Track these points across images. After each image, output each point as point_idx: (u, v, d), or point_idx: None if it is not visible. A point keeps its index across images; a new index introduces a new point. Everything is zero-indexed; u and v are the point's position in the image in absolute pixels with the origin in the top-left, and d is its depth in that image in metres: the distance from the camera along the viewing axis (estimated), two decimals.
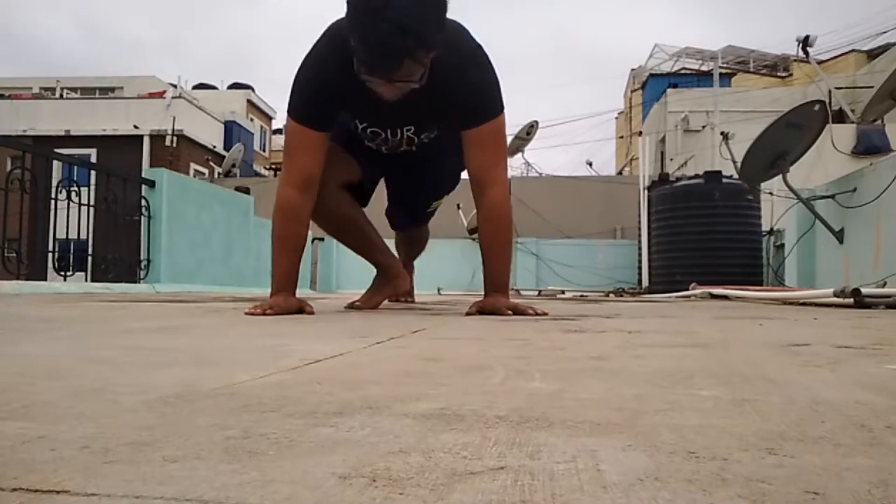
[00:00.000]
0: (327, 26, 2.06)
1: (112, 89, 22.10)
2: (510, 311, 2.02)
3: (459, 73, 1.99)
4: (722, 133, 7.24)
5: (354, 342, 1.19)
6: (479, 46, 2.06)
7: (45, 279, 4.54)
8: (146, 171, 5.69)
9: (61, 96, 20.03)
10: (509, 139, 16.62)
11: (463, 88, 2.00)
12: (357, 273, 3.50)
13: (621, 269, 9.62)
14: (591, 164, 17.02)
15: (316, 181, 2.11)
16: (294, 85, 2.08)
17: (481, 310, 2.06)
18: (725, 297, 4.27)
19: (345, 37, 1.90)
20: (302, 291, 2.23)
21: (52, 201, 4.49)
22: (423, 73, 1.80)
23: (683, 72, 17.72)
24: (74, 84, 22.44)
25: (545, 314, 2.02)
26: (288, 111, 2.11)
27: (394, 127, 2.15)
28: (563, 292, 7.54)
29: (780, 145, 4.75)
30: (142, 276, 5.00)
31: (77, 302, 2.71)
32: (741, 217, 6.56)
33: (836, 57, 17.23)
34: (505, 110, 2.11)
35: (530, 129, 15.53)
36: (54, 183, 4.58)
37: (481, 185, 2.11)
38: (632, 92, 22.07)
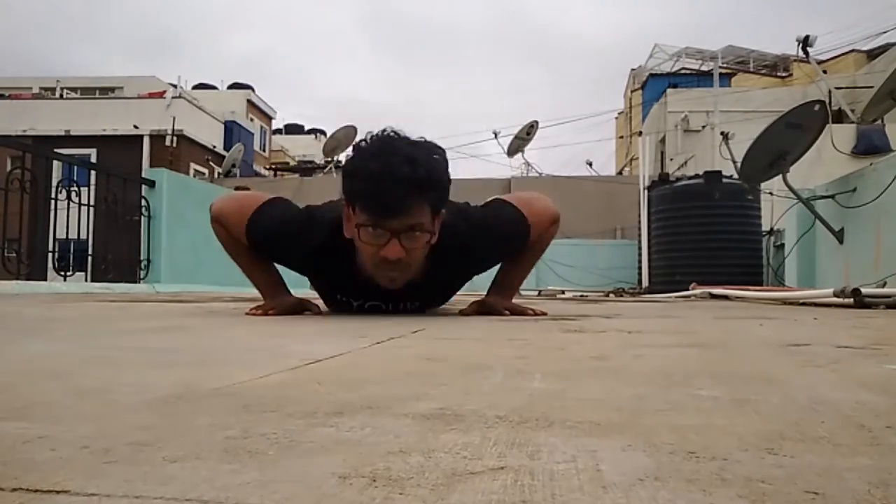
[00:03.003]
0: (329, 210, 1.90)
1: (112, 89, 22.12)
2: (507, 312, 2.01)
3: (485, 238, 1.92)
4: (722, 133, 7.24)
5: (354, 342, 1.19)
6: (476, 208, 1.99)
7: (45, 279, 4.54)
8: (146, 171, 5.69)
9: (61, 96, 20.05)
10: (509, 139, 16.51)
11: (495, 248, 1.97)
12: None
13: (621, 269, 9.61)
14: (591, 164, 16.97)
15: None
16: (274, 224, 1.89)
17: (479, 309, 2.06)
18: (725, 297, 4.27)
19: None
20: (302, 291, 2.22)
21: (52, 201, 4.49)
22: (430, 237, 1.71)
23: (683, 72, 17.74)
24: (74, 84, 22.45)
25: (544, 314, 2.02)
26: (249, 226, 1.89)
27: (396, 301, 2.00)
28: (563, 292, 7.53)
29: (780, 145, 4.75)
30: (142, 276, 5.00)
31: (77, 302, 2.71)
32: (741, 217, 6.56)
33: (836, 57, 17.24)
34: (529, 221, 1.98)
35: (530, 129, 15.54)
36: (54, 183, 4.58)
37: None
38: (632, 92, 22.08)
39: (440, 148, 1.75)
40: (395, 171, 1.59)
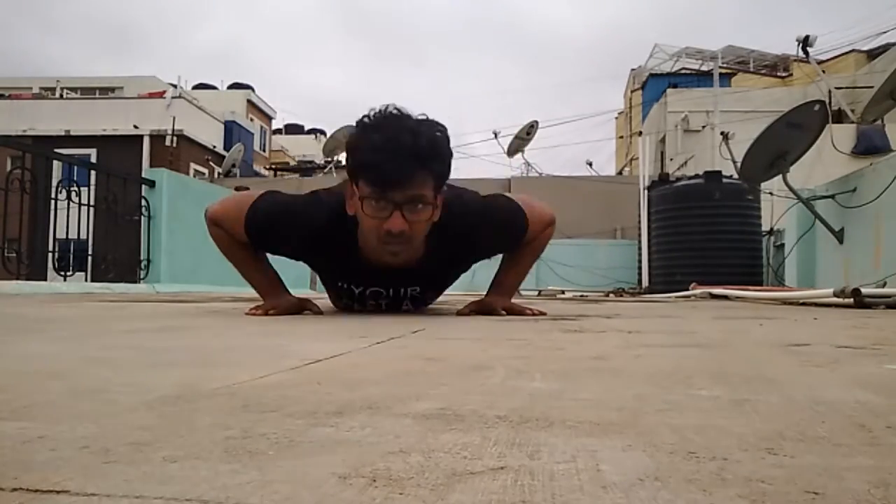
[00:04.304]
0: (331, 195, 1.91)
1: (112, 89, 22.11)
2: (504, 312, 2.01)
3: (485, 222, 1.93)
4: (722, 133, 7.24)
5: (354, 342, 1.19)
6: (479, 195, 2.01)
7: (45, 279, 4.54)
8: (146, 171, 5.70)
9: (61, 96, 20.05)
10: (509, 139, 16.50)
11: (494, 233, 1.96)
12: None
13: (621, 269, 9.61)
14: (591, 164, 16.97)
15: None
16: (276, 207, 1.90)
17: (477, 309, 2.06)
18: (725, 297, 4.27)
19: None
20: (302, 291, 2.23)
21: (52, 201, 4.49)
22: (432, 212, 1.72)
23: (683, 72, 17.72)
24: (74, 84, 22.45)
25: (543, 314, 2.02)
26: (249, 216, 1.87)
27: (397, 287, 2.00)
28: (563, 292, 7.53)
29: (780, 145, 4.75)
30: (142, 276, 5.00)
31: (77, 302, 2.71)
32: (741, 217, 6.56)
33: (836, 57, 17.22)
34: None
35: (530, 129, 15.54)
36: (54, 183, 4.58)
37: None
38: (632, 92, 22.06)
39: (442, 124, 1.77)
40: (398, 141, 1.61)
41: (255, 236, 1.91)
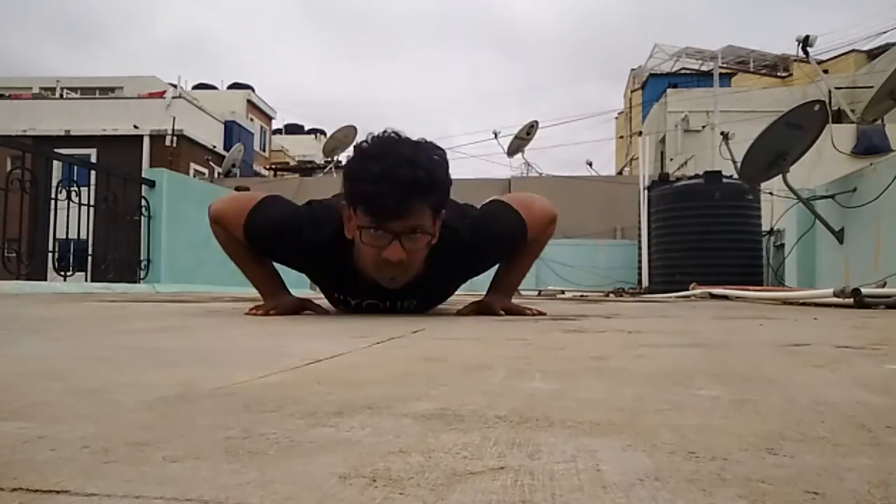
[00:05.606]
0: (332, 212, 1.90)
1: (112, 89, 22.12)
2: (503, 312, 2.01)
3: (484, 239, 1.92)
4: (722, 133, 7.24)
5: (354, 342, 1.18)
6: (475, 208, 2.01)
7: (45, 279, 4.54)
8: (146, 171, 5.70)
9: (61, 96, 20.06)
10: (509, 139, 16.51)
11: (493, 248, 1.97)
12: None
13: (621, 269, 9.62)
14: (591, 164, 16.99)
15: None
16: (273, 222, 1.89)
17: (477, 310, 2.06)
18: (725, 297, 4.27)
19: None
20: (302, 291, 2.23)
21: (52, 201, 4.49)
22: (431, 238, 1.72)
23: (683, 72, 17.71)
24: (74, 84, 22.46)
25: (543, 314, 2.02)
26: (247, 224, 1.87)
27: (394, 300, 1.99)
28: (563, 292, 7.53)
29: (780, 145, 4.75)
30: (142, 276, 5.00)
31: (77, 302, 2.71)
32: (741, 217, 6.56)
33: (836, 57, 17.22)
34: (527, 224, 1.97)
35: (530, 129, 15.56)
36: (54, 183, 4.58)
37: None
38: (632, 92, 22.06)
39: (440, 149, 1.76)
40: (396, 172, 1.59)
41: (253, 243, 1.93)
